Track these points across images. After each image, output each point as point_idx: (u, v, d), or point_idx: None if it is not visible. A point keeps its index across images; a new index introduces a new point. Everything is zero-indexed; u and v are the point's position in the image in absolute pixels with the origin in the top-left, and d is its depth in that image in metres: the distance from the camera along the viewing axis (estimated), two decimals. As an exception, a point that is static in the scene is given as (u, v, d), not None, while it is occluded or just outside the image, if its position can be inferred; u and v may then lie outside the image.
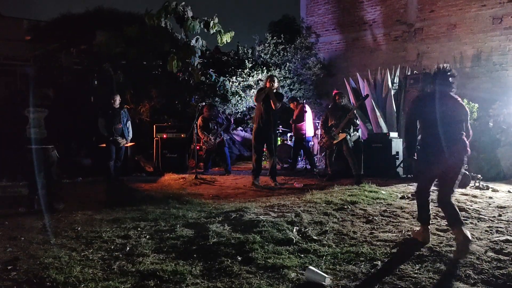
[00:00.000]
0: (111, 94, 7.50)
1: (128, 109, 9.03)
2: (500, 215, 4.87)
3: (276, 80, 7.32)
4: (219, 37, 10.08)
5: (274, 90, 7.18)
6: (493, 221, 4.63)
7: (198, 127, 8.77)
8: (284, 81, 12.17)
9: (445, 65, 4.00)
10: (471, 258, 3.47)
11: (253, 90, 11.06)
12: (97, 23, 10.93)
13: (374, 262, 3.39)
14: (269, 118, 7.16)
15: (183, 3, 9.84)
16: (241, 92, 11.00)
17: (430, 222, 4.07)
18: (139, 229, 4.42)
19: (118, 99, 7.38)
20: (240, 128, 12.19)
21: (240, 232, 4.20)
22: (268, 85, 7.14)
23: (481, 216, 4.82)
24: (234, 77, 11.22)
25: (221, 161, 9.38)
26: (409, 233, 4.16)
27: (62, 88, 9.31)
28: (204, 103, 9.50)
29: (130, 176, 8.37)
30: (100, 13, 13.62)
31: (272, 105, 7.08)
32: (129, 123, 7.55)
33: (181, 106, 10.48)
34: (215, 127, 8.86)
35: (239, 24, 26.81)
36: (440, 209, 4.99)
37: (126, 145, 7.63)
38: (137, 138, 8.71)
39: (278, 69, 12.17)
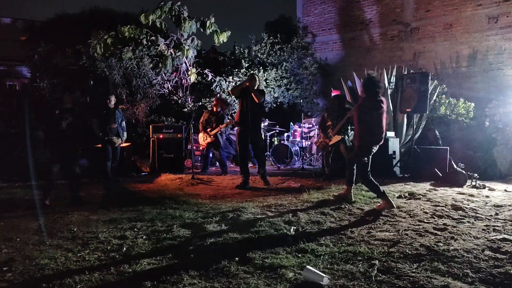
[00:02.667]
0: (106, 94, 7.47)
1: (124, 109, 8.99)
2: (497, 214, 4.88)
3: (257, 79, 6.92)
4: (216, 37, 10.08)
5: (255, 87, 6.82)
6: (490, 220, 4.64)
7: (201, 126, 8.65)
8: (281, 81, 12.16)
9: (370, 72, 5.19)
10: (469, 256, 3.47)
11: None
12: (92, 23, 10.86)
13: (372, 262, 3.39)
14: (252, 117, 6.74)
15: (179, 3, 9.82)
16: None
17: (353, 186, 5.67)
18: (135, 229, 4.40)
19: (113, 99, 7.34)
20: (236, 128, 12.16)
21: (237, 232, 4.19)
22: (248, 84, 6.77)
23: (478, 215, 4.83)
24: (231, 77, 11.20)
25: (218, 161, 9.34)
26: (407, 232, 4.16)
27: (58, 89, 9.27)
28: (218, 96, 9.31)
29: (126, 176, 8.33)
30: (96, 13, 13.52)
31: (255, 98, 6.66)
32: (123, 123, 7.50)
33: (177, 106, 10.46)
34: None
35: (236, 23, 26.76)
36: (436, 209, 5.07)
37: (121, 145, 7.59)
38: (133, 138, 8.66)
39: (274, 69, 12.16)
